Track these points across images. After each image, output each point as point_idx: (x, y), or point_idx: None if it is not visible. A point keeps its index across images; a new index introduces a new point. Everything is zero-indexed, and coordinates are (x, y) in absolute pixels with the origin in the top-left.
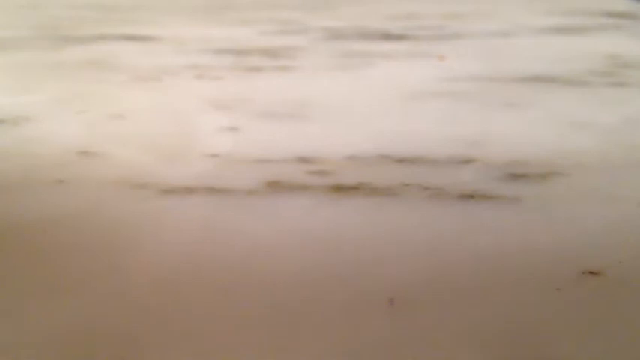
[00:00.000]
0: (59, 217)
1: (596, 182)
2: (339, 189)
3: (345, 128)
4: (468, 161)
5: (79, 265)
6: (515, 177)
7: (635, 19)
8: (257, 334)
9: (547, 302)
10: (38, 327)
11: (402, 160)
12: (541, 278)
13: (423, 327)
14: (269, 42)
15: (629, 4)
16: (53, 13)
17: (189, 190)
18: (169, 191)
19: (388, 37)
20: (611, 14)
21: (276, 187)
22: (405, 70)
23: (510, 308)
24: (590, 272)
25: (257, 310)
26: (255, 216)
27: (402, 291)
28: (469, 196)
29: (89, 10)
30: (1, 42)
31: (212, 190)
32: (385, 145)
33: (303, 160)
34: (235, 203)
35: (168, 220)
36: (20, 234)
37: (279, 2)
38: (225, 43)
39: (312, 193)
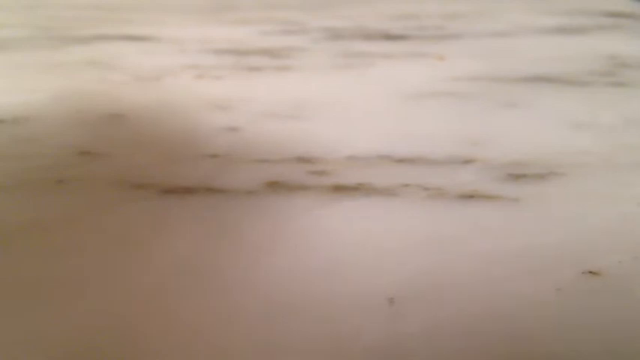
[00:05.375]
0: (59, 217)
1: (596, 182)
2: (339, 189)
3: (345, 128)
4: (468, 161)
5: (78, 265)
6: (515, 177)
7: (635, 19)
8: (256, 333)
9: (547, 302)
10: (38, 327)
11: (402, 160)
12: (541, 278)
13: (423, 327)
14: (269, 42)
15: (629, 4)
16: (53, 13)
17: (189, 190)
18: (169, 191)
19: (388, 37)
20: (611, 14)
21: (276, 187)
22: (405, 70)
23: (510, 308)
24: (590, 272)
25: (256, 309)
26: (255, 216)
27: (402, 291)
28: (469, 196)
29: (89, 10)
30: (1, 42)
31: (212, 190)
32: (385, 145)
33: (303, 160)
34: (235, 203)
35: (168, 220)
36: (20, 234)
37: (279, 2)
38: (226, 43)
39: (312, 193)
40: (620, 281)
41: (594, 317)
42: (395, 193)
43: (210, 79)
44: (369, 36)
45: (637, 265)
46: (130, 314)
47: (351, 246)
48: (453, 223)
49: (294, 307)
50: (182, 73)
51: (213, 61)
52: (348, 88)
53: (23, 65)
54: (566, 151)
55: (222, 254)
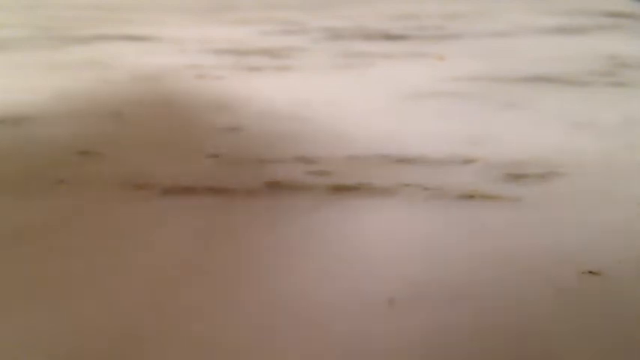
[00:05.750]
0: (59, 217)
1: (596, 182)
2: (339, 189)
3: (345, 128)
4: (468, 161)
5: (78, 265)
6: (515, 177)
7: (635, 19)
8: (256, 334)
9: (547, 302)
10: (38, 327)
11: (402, 160)
12: (541, 278)
13: (423, 327)
14: (269, 42)
15: (629, 4)
16: (53, 13)
17: (189, 190)
18: (169, 191)
19: (388, 37)
20: (611, 14)
21: (276, 187)
22: (405, 70)
23: (510, 308)
24: (590, 272)
25: (256, 310)
26: (255, 216)
27: (402, 291)
28: (469, 196)
29: (89, 10)
30: (1, 42)
31: (212, 190)
32: (385, 145)
33: (303, 160)
34: (235, 203)
35: (168, 220)
36: (20, 234)
37: (279, 2)
38: (226, 43)
39: (312, 193)
40: (620, 281)
41: (594, 317)
42: (395, 193)
43: (210, 79)
44: (369, 36)
45: (637, 265)
46: (130, 314)
47: (351, 246)
48: (453, 223)
49: (294, 307)
50: (182, 73)
51: (213, 61)
52: (348, 88)
53: (23, 65)
54: (566, 151)
55: (222, 254)
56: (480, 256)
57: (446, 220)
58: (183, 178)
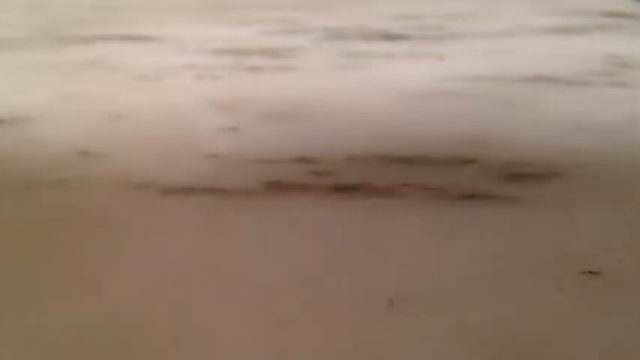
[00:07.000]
0: (59, 217)
1: (596, 182)
2: (339, 189)
3: (345, 128)
4: (468, 161)
5: (78, 265)
6: (515, 177)
7: (635, 19)
8: (257, 334)
9: (547, 302)
10: (37, 327)
11: (402, 160)
12: (541, 278)
13: (423, 327)
14: (269, 42)
15: (629, 4)
16: (53, 13)
17: (189, 190)
18: (169, 191)
19: (388, 37)
20: (611, 14)
21: (276, 187)
22: (406, 70)
23: (510, 308)
24: (590, 272)
25: (257, 310)
26: (255, 216)
27: (402, 291)
28: (469, 196)
29: (89, 10)
30: (1, 42)
31: (212, 190)
32: (385, 145)
33: (303, 160)
34: (235, 203)
35: (168, 220)
36: (20, 235)
37: (279, 2)
38: (225, 43)
39: (312, 193)
40: (620, 281)
41: (594, 317)
42: (395, 193)
43: (210, 79)
44: (369, 36)
45: (637, 265)
46: (130, 314)
47: (350, 246)
48: (453, 223)
49: (295, 307)
50: (182, 73)
51: (213, 61)
52: (348, 88)
53: (23, 65)
54: (566, 151)
55: (222, 255)
56: (480, 256)
57: (446, 220)
58: (183, 178)
